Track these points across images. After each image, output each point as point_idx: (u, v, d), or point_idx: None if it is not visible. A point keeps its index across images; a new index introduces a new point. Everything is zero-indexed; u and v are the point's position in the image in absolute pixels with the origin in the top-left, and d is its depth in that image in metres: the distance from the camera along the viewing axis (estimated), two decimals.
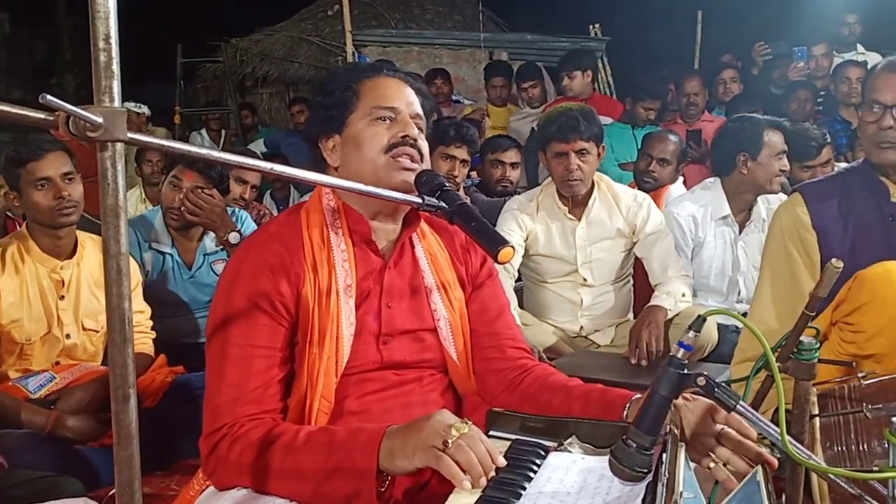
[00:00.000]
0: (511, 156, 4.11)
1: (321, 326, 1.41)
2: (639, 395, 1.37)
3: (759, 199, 3.30)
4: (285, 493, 1.28)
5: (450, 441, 1.17)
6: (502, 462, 1.19)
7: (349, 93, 1.49)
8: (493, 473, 1.17)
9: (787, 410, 1.25)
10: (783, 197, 3.38)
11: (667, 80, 5.85)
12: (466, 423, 1.21)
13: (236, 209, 3.38)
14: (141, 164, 4.76)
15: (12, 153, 2.49)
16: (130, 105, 5.97)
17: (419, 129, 1.51)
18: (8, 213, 3.50)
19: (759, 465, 1.21)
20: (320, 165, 1.54)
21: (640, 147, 4.29)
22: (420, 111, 1.53)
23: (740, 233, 3.30)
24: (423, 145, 1.51)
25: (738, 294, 3.36)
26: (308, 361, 1.41)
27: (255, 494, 1.28)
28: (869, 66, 5.14)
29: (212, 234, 3.19)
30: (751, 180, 3.20)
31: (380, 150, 1.46)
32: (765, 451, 1.27)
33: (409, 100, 1.52)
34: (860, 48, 5.71)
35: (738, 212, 3.29)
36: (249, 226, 3.31)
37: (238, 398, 1.34)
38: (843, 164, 3.98)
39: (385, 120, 1.48)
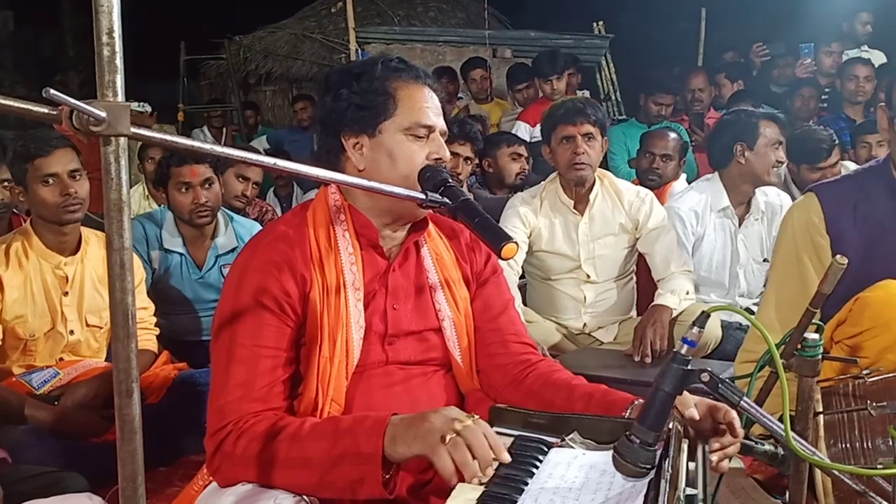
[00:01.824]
0: (524, 150, 4.21)
1: (331, 330, 1.42)
2: (640, 401, 1.37)
3: (757, 191, 3.32)
4: (291, 482, 1.28)
5: (447, 437, 1.16)
6: (507, 458, 1.18)
7: (386, 97, 1.46)
8: (491, 470, 1.16)
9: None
10: (782, 193, 3.41)
11: (678, 77, 5.84)
12: (471, 418, 1.20)
13: (235, 215, 3.39)
14: (144, 161, 4.75)
15: (20, 148, 2.49)
16: (133, 105, 5.96)
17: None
18: (14, 209, 3.50)
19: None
20: (335, 155, 1.51)
21: (639, 146, 4.29)
22: (444, 126, 1.52)
23: (740, 226, 3.32)
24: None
25: (739, 287, 3.37)
26: (319, 366, 1.41)
27: (258, 489, 1.29)
28: (874, 65, 5.13)
29: (225, 234, 3.19)
30: (748, 171, 3.21)
31: (416, 170, 1.44)
32: (765, 450, 1.28)
33: (438, 113, 1.50)
34: (863, 46, 5.70)
35: (737, 204, 3.31)
36: (255, 228, 3.31)
37: (243, 397, 1.34)
38: (848, 163, 3.99)
39: (420, 138, 1.46)
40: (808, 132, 3.92)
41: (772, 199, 3.36)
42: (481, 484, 1.16)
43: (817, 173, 3.73)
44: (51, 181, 2.47)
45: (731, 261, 3.33)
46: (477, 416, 1.22)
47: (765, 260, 3.33)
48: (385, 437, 1.22)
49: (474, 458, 1.15)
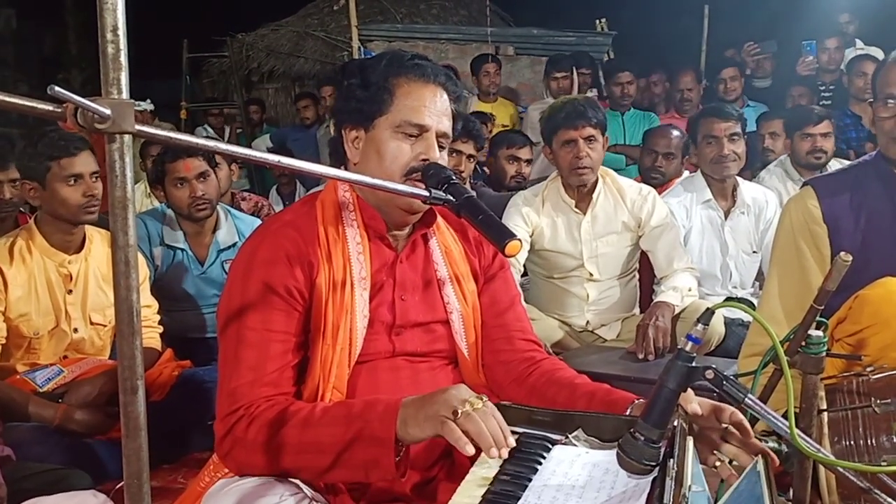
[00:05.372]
0: (526, 152, 4.20)
1: (335, 319, 1.42)
2: (642, 400, 1.37)
3: (741, 186, 3.43)
4: (304, 466, 1.29)
5: (460, 411, 1.17)
6: (512, 443, 1.18)
7: (384, 92, 1.46)
8: (505, 452, 1.16)
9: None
10: (768, 192, 3.53)
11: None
12: (481, 399, 1.21)
13: (234, 210, 3.40)
14: (146, 158, 4.76)
15: (43, 147, 2.48)
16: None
17: (441, 147, 1.49)
18: (21, 208, 3.50)
19: (760, 456, 1.21)
20: (340, 150, 1.53)
21: (635, 141, 4.33)
22: (448, 128, 1.50)
23: (726, 219, 3.41)
24: (442, 163, 1.47)
25: (731, 279, 3.45)
26: (322, 353, 1.42)
27: (263, 486, 1.29)
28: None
29: (225, 228, 3.21)
30: (701, 165, 3.43)
31: (399, 170, 1.43)
32: (768, 447, 1.27)
33: (440, 114, 1.48)
34: (859, 43, 5.69)
35: (719, 196, 3.41)
36: (255, 223, 3.32)
37: (255, 381, 1.35)
38: (847, 163, 4.02)
39: (411, 137, 1.45)
40: (797, 106, 4.21)
41: (757, 195, 3.45)
42: (499, 458, 1.16)
43: (807, 140, 3.89)
44: (76, 181, 2.48)
45: (721, 252, 3.42)
46: (485, 397, 1.22)
47: (754, 252, 3.44)
48: (397, 421, 1.23)
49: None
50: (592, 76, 6.12)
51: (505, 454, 1.16)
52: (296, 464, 1.29)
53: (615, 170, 3.39)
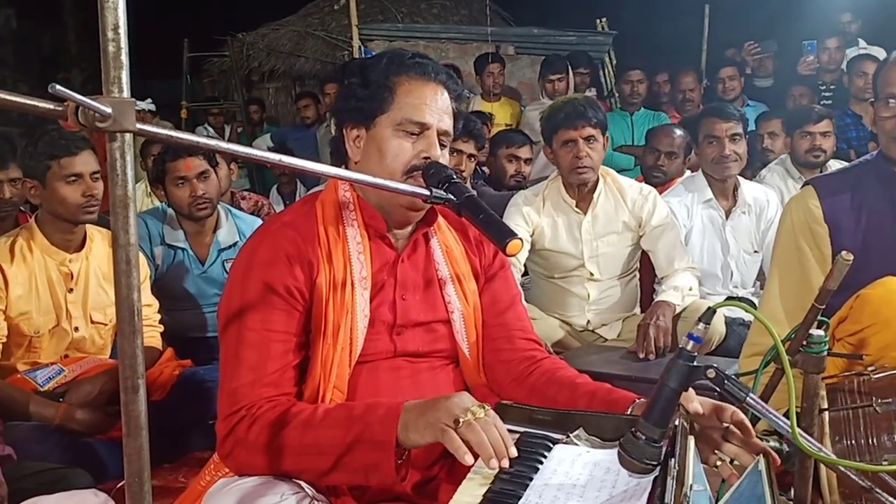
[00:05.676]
0: (525, 151, 4.19)
1: (335, 319, 1.43)
2: (642, 399, 1.37)
3: (743, 186, 3.43)
4: (305, 468, 1.30)
5: (461, 420, 1.17)
6: (514, 452, 1.18)
7: (385, 91, 1.46)
8: (506, 462, 1.16)
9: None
10: (769, 191, 3.54)
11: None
12: (484, 408, 1.21)
13: (235, 210, 3.40)
14: (146, 157, 4.75)
15: (44, 145, 2.48)
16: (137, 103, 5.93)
17: (442, 145, 1.49)
18: (21, 207, 3.50)
19: (762, 455, 1.21)
20: (341, 149, 1.54)
21: (644, 141, 4.33)
22: (449, 126, 1.50)
23: (727, 218, 3.42)
24: (444, 161, 1.48)
25: (732, 277, 3.45)
26: (322, 353, 1.42)
27: (264, 485, 1.29)
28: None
29: (226, 227, 3.21)
30: (703, 165, 3.44)
31: (400, 168, 1.44)
32: (770, 446, 1.27)
33: (441, 112, 1.48)
34: (862, 43, 5.69)
35: (720, 195, 3.42)
36: (256, 223, 3.32)
37: (256, 381, 1.35)
38: (833, 161, 4.03)
39: (412, 135, 1.45)
40: (798, 105, 4.29)
41: (758, 195, 3.46)
42: (498, 469, 1.16)
43: (807, 139, 3.92)
44: (75, 180, 2.48)
45: (723, 252, 3.43)
46: (488, 406, 1.22)
47: (755, 251, 3.44)
48: (398, 426, 1.23)
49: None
50: (591, 76, 6.11)
51: (505, 464, 1.16)
52: (296, 465, 1.30)
53: (623, 170, 3.38)
